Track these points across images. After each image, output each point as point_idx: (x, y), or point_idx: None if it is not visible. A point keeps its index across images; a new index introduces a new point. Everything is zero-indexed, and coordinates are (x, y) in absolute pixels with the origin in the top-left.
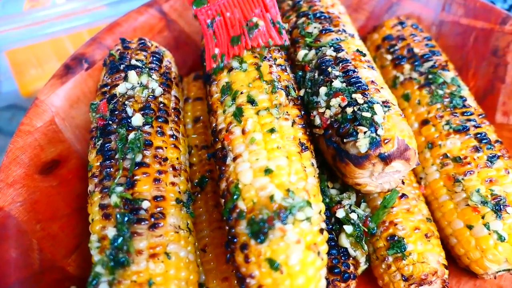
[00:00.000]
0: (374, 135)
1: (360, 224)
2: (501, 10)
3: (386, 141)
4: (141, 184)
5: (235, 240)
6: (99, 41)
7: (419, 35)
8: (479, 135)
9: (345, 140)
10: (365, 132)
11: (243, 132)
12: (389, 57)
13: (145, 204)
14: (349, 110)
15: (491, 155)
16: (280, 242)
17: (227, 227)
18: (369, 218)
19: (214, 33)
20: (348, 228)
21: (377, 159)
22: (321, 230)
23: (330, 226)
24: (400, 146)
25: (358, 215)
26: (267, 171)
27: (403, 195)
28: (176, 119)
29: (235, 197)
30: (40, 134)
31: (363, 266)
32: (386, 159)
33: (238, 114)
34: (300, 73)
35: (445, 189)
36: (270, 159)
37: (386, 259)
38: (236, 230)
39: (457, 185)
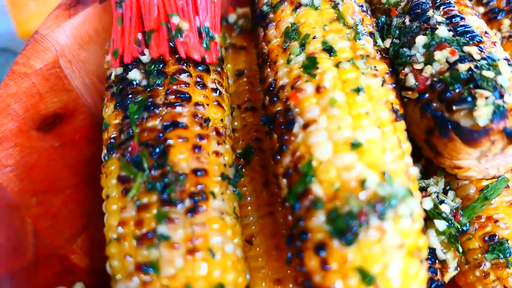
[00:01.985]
0: (499, 102)
1: (453, 220)
2: None
3: None
4: (175, 152)
5: (305, 236)
6: None
7: None
8: None
9: (454, 108)
10: (486, 98)
11: (318, 90)
12: (481, 9)
13: (182, 179)
14: (462, 67)
15: None
16: (375, 245)
17: (290, 217)
18: (460, 211)
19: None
20: (441, 224)
21: (499, 135)
22: (423, 230)
23: None
24: None
25: (449, 206)
26: (355, 145)
27: None
28: (219, 68)
29: (307, 178)
30: (39, 78)
31: (452, 272)
32: None
33: (311, 65)
34: (383, 19)
35: None
36: (357, 129)
37: (483, 265)
38: (308, 224)
39: None
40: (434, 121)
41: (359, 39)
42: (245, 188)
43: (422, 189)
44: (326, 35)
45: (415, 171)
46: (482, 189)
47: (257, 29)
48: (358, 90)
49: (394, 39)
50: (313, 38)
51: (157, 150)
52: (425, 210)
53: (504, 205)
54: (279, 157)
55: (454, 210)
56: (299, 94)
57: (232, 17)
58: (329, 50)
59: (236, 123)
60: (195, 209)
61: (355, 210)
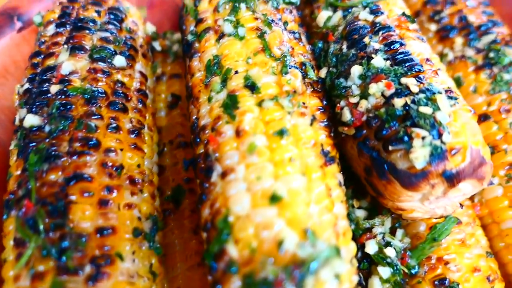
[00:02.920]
0: (437, 142)
1: (399, 264)
2: None
3: (454, 151)
4: (77, 210)
5: None
6: None
7: None
8: None
9: (390, 148)
10: (423, 138)
11: (238, 133)
12: (433, 27)
13: (83, 242)
14: (398, 102)
15: None
16: None
17: (209, 277)
18: (409, 252)
19: None
20: (384, 271)
21: (439, 179)
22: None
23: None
24: (474, 160)
25: (395, 249)
26: (274, 199)
27: (455, 219)
28: (140, 105)
29: (223, 236)
30: None
31: None
32: (453, 179)
33: (231, 105)
34: (320, 45)
35: (511, 211)
36: (279, 179)
37: None
38: None
39: None
40: (371, 161)
41: (286, 73)
42: (173, 234)
43: (367, 230)
44: (250, 69)
45: (344, 223)
46: (432, 226)
47: (185, 59)
48: (281, 133)
49: (331, 68)
50: (235, 73)
51: (57, 208)
52: (369, 255)
53: (456, 243)
54: (200, 206)
55: (402, 251)
56: (219, 137)
57: (157, 45)
58: (251, 86)
59: (167, 160)
60: (97, 276)
61: (270, 277)
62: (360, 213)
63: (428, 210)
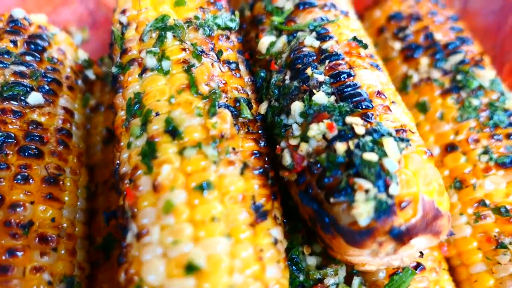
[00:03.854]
0: (382, 196)
1: None
2: None
3: (403, 204)
4: None
5: None
6: None
7: (440, 13)
8: None
9: (332, 200)
10: (367, 191)
11: (155, 188)
12: (397, 45)
13: None
14: (340, 147)
15: None
16: None
17: None
18: None
19: None
20: None
21: (386, 237)
22: None
23: None
24: (427, 213)
25: None
26: (191, 268)
27: (418, 264)
28: (60, 148)
29: None
30: None
31: None
32: (402, 237)
33: (149, 153)
34: (262, 74)
35: (480, 254)
36: (199, 243)
37: None
38: None
39: (501, 252)
40: (314, 213)
41: (214, 114)
42: None
43: (319, 281)
44: (172, 111)
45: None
46: (391, 274)
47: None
48: (203, 187)
49: (272, 102)
50: (156, 114)
51: None
52: None
53: None
54: (118, 269)
55: None
56: (136, 191)
57: (91, 73)
58: (173, 131)
59: (100, 203)
60: None
61: None
62: (312, 261)
63: (382, 263)
